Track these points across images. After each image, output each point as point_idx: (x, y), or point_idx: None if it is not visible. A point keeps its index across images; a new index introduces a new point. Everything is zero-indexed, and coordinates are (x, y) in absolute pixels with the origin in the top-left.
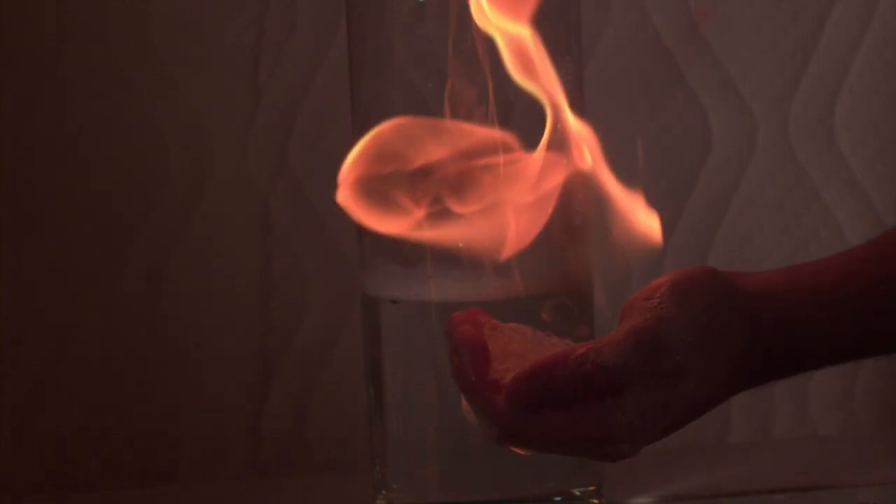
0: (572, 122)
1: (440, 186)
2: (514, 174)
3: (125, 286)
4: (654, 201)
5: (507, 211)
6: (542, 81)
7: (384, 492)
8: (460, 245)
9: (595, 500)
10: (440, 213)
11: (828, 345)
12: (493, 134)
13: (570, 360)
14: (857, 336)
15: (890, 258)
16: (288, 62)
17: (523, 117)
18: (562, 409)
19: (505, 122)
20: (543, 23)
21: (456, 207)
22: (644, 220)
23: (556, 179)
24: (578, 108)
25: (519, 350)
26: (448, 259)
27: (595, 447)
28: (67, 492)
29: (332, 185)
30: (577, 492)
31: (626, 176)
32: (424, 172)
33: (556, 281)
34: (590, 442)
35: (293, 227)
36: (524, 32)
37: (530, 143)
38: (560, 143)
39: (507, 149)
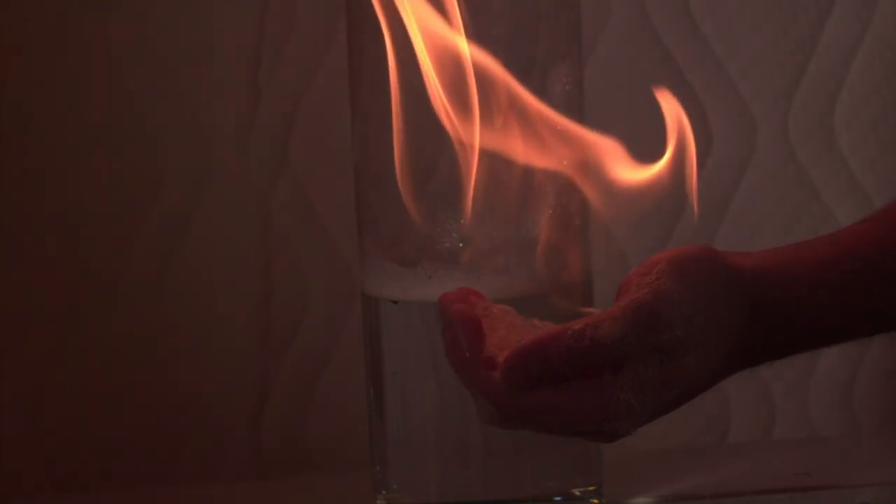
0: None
1: None
2: None
3: (125, 286)
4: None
5: None
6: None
7: (384, 492)
8: None
9: (595, 500)
10: None
11: (828, 321)
12: None
13: (567, 336)
14: (858, 312)
15: (888, 233)
16: (288, 62)
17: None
18: (559, 386)
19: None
20: (543, 23)
21: None
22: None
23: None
24: (578, 108)
25: (512, 330)
26: (448, 259)
27: (592, 425)
28: (67, 492)
29: (333, 185)
30: (577, 492)
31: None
32: None
33: (555, 281)
34: (587, 420)
35: (293, 227)
36: None
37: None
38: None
39: None
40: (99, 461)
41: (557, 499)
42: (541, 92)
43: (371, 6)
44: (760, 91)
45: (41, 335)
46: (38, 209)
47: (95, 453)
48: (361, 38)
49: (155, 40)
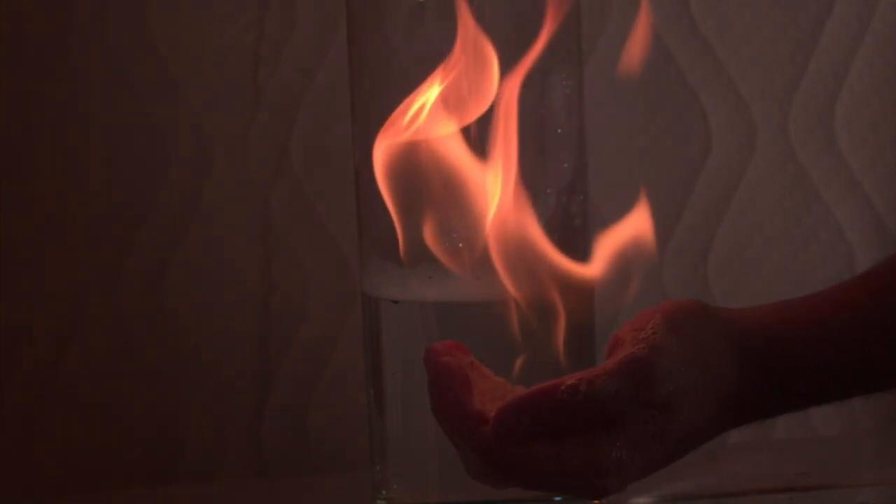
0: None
1: None
2: None
3: (125, 286)
4: (653, 202)
5: None
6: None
7: (384, 492)
8: None
9: (595, 501)
10: None
11: (822, 379)
12: None
13: (561, 391)
14: (852, 369)
15: (881, 291)
16: (288, 62)
17: (523, 117)
18: (550, 441)
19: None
20: (543, 23)
21: None
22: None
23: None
24: (578, 108)
25: (499, 387)
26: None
27: (583, 481)
28: (67, 492)
29: (333, 185)
30: None
31: (626, 176)
32: None
33: (556, 282)
34: (578, 476)
35: (293, 227)
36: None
37: (531, 144)
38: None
39: None
40: (99, 461)
41: (557, 499)
42: (540, 94)
43: (371, 6)
44: (760, 91)
45: (41, 335)
46: (39, 209)
47: (96, 453)
48: (361, 38)
49: (155, 40)
